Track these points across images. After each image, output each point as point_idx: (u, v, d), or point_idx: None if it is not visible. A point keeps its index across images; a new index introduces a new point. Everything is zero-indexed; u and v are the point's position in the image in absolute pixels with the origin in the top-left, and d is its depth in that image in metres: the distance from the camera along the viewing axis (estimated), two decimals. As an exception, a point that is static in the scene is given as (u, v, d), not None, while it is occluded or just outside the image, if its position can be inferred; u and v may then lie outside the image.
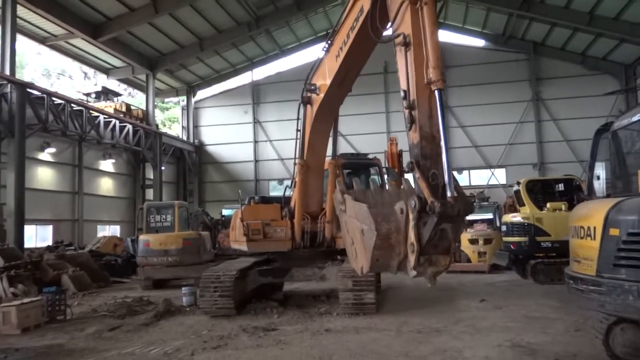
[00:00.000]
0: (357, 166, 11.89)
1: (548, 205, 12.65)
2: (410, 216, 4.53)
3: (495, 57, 30.68)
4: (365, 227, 4.78)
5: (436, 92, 5.08)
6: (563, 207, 12.27)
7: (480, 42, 31.74)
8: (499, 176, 30.36)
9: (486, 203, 19.71)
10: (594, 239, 5.08)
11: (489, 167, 30.42)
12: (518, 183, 13.78)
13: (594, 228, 5.08)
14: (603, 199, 5.84)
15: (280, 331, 8.12)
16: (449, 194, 4.50)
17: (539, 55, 30.08)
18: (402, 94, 5.31)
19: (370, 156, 12.74)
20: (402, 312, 9.42)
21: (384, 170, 10.93)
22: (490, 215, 18.12)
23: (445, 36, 31.92)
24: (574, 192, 12.94)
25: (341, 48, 7.36)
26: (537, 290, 11.64)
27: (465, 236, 17.32)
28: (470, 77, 30.69)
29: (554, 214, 12.38)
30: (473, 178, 31.00)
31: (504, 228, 13.84)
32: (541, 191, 13.58)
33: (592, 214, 5.31)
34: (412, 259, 4.53)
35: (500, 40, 30.41)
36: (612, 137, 5.88)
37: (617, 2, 22.42)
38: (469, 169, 30.94)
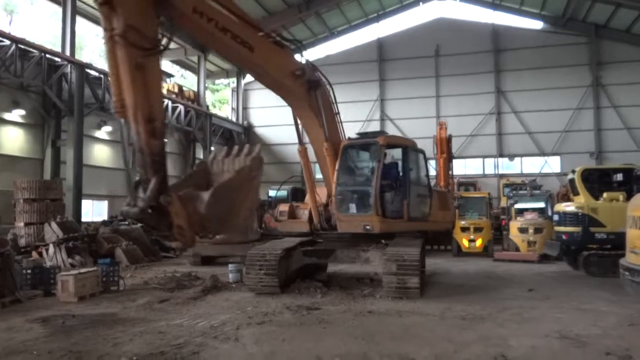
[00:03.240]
0: (361, 146, 11.11)
1: (605, 195, 12.11)
2: None
3: (553, 40, 29.40)
4: None
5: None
6: (621, 197, 11.69)
7: (538, 25, 30.47)
8: (553, 164, 29.33)
9: (538, 191, 19.04)
10: (654, 229, 4.85)
11: (543, 154, 29.40)
12: (573, 171, 13.25)
13: (654, 218, 4.84)
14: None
15: (323, 311, 8.20)
16: (140, 203, 6.30)
17: (601, 39, 28.62)
18: None
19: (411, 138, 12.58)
20: (446, 298, 9.32)
21: (382, 149, 10.13)
22: (542, 204, 17.55)
23: (501, 18, 30.87)
24: (633, 182, 12.31)
25: None
26: (589, 282, 11.24)
27: (514, 225, 16.90)
28: (526, 61, 29.63)
29: (610, 204, 11.85)
30: (525, 165, 30.08)
31: (556, 217, 13.38)
32: (597, 180, 13.01)
33: (653, 203, 5.06)
34: None
35: (559, 22, 29.11)
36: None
37: (690, -18, 21.03)
38: (521, 155, 30.03)
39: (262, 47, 8.88)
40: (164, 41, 6.97)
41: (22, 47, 17.16)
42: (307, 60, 10.21)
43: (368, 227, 9.79)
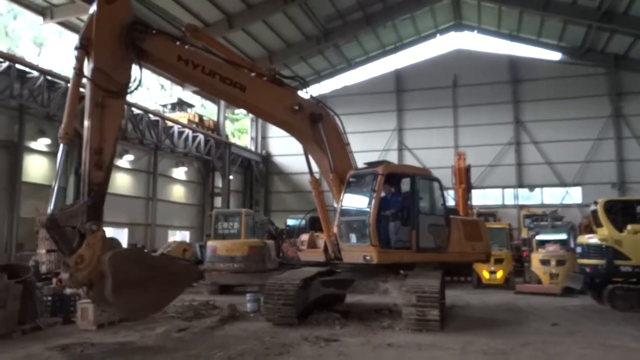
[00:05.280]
0: (364, 176, 10.63)
1: (629, 227, 11.88)
2: None
3: (572, 71, 29.36)
4: None
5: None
6: (646, 229, 11.50)
7: (556, 56, 30.51)
8: (575, 195, 28.92)
9: (560, 223, 18.74)
10: (682, 263, 4.74)
11: (564, 185, 29.03)
12: (595, 203, 13.06)
13: (682, 252, 4.74)
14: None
15: (341, 342, 8.09)
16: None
17: (620, 69, 28.49)
18: None
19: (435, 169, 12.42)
20: (467, 331, 9.14)
21: (380, 178, 9.85)
22: (563, 236, 17.23)
23: (519, 49, 31.00)
24: (658, 215, 12.11)
25: None
26: (615, 317, 10.94)
27: (536, 256, 16.60)
28: (544, 92, 29.57)
29: (635, 236, 11.63)
30: (546, 196, 29.70)
31: (579, 249, 13.12)
32: (621, 212, 12.78)
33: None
34: None
35: (577, 53, 29.07)
36: None
37: None
38: (541, 186, 29.69)
39: (254, 86, 9.08)
40: (134, 83, 7.50)
41: (50, 78, 17.70)
42: (310, 95, 10.39)
43: (367, 257, 9.60)
